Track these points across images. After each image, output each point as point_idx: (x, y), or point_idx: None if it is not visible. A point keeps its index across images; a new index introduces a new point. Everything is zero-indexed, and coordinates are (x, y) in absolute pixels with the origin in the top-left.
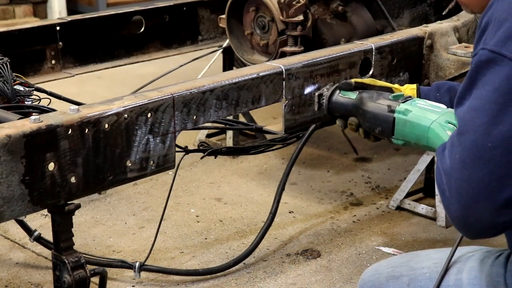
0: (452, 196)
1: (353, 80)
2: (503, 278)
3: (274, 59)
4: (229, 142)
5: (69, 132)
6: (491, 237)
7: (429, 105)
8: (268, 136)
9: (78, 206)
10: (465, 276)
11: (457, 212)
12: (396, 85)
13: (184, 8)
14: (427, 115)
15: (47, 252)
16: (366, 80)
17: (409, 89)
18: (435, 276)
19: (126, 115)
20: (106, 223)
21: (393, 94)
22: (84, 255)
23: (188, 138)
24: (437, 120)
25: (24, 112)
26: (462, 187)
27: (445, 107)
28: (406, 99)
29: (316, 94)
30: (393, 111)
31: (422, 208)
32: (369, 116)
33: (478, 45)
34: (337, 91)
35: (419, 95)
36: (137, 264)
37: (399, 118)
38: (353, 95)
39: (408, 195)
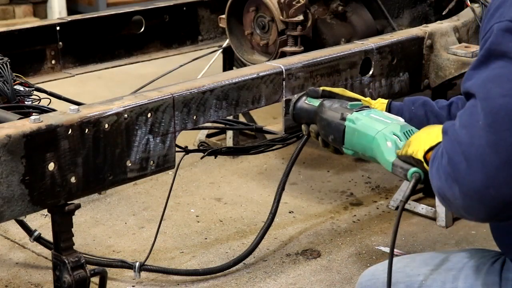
0: (472, 166)
1: (321, 88)
2: (498, 286)
3: (274, 59)
4: (229, 142)
5: (69, 132)
6: (501, 221)
7: (381, 116)
8: (268, 136)
9: (78, 206)
10: (460, 284)
11: (477, 184)
12: (367, 98)
13: (184, 8)
14: (374, 125)
15: (47, 252)
16: (336, 89)
17: (379, 103)
18: (430, 283)
19: (126, 115)
20: (106, 223)
21: (351, 103)
22: (84, 255)
23: (188, 138)
24: (383, 130)
25: (24, 112)
26: (486, 154)
27: (401, 120)
28: (362, 108)
29: (284, 99)
30: (344, 119)
31: (422, 208)
32: (323, 123)
33: (490, 22)
34: (304, 98)
35: (389, 110)
36: (137, 264)
37: (349, 127)
38: (316, 102)
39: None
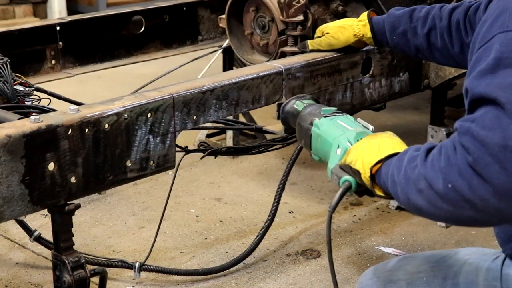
0: (507, 168)
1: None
2: (499, 282)
3: (274, 59)
4: (229, 142)
5: (69, 132)
6: None
7: (346, 123)
8: (268, 136)
9: (78, 206)
10: (461, 280)
11: None
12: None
13: (184, 8)
14: (333, 131)
15: (47, 252)
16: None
17: (360, 25)
18: (432, 280)
19: (126, 115)
20: (106, 223)
21: (324, 108)
22: (84, 255)
23: (188, 138)
24: (339, 137)
25: (24, 112)
26: None
27: (370, 126)
28: (333, 114)
29: (277, 103)
30: (312, 124)
31: None
32: (298, 127)
33: (491, 31)
34: (292, 101)
35: (372, 28)
36: (137, 264)
37: (314, 132)
38: (301, 107)
39: None
